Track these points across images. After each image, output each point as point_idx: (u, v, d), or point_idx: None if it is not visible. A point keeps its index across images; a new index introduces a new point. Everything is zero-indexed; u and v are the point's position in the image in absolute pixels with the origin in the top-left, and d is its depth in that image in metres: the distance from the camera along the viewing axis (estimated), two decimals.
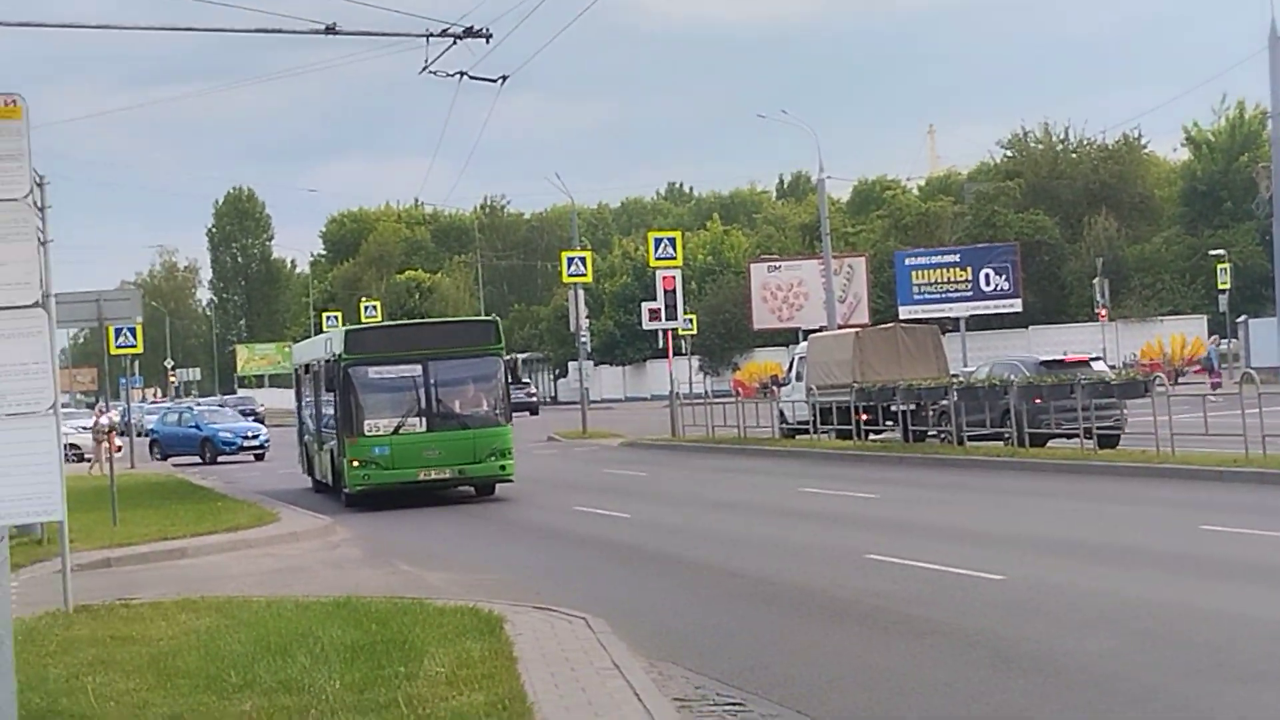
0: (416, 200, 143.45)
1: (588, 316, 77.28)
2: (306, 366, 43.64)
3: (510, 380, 35.98)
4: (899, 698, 13.07)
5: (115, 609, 18.71)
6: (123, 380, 47.93)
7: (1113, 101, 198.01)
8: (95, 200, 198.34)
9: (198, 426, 66.47)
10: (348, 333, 36.42)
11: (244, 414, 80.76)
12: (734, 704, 12.98)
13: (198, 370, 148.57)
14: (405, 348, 35.28)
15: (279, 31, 24.04)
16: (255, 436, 65.91)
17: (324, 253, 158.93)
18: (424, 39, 23.86)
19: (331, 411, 36.82)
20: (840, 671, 14.28)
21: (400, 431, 34.03)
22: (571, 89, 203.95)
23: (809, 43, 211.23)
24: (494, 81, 26.51)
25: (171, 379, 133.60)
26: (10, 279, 7.77)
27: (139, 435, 65.42)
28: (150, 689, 13.43)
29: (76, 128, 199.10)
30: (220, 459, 63.37)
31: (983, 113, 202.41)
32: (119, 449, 47.99)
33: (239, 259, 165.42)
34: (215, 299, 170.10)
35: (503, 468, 34.56)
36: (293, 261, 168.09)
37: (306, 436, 43.63)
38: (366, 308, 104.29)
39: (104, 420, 48.39)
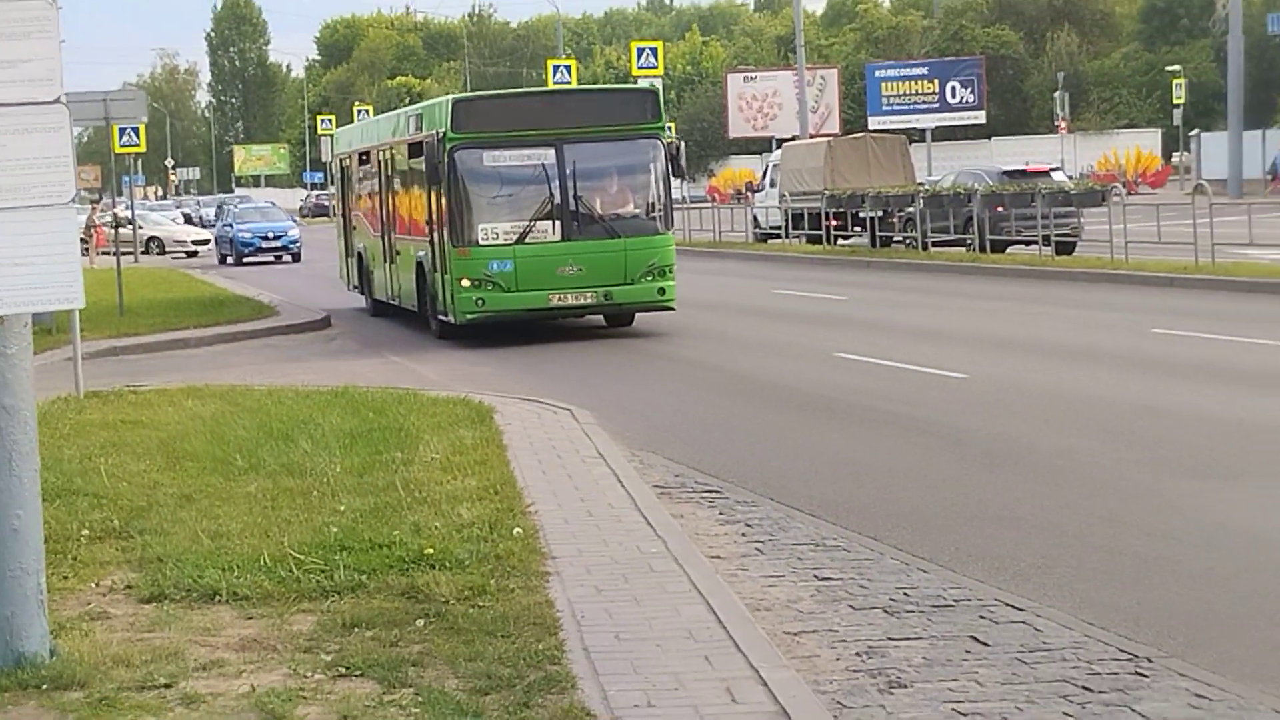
0: (407, 8, 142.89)
1: None
2: (363, 155, 32.35)
3: (673, 172, 24.76)
4: (866, 486, 13.18)
5: (124, 395, 18.78)
6: (125, 178, 47.62)
7: None
8: (96, 2, 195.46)
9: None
10: (455, 103, 24.63)
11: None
12: (711, 491, 12.98)
13: (197, 170, 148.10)
14: (533, 125, 24.03)
15: None
16: (279, 237, 55.65)
17: (318, 58, 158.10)
18: None
19: (422, 213, 26.13)
20: (812, 463, 14.39)
21: (527, 240, 23.58)
22: None
23: None
24: None
25: (172, 178, 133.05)
26: (33, 75, 7.70)
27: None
28: (160, 470, 13.52)
29: None
30: (245, 260, 54.40)
31: None
32: (103, 242, 48.15)
33: (236, 63, 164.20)
34: (214, 101, 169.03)
35: (662, 291, 24.16)
36: (288, 66, 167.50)
37: (360, 244, 32.75)
38: (359, 111, 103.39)
39: (97, 216, 48.60)
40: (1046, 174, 42.88)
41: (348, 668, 8.04)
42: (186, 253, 63.10)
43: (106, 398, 18.50)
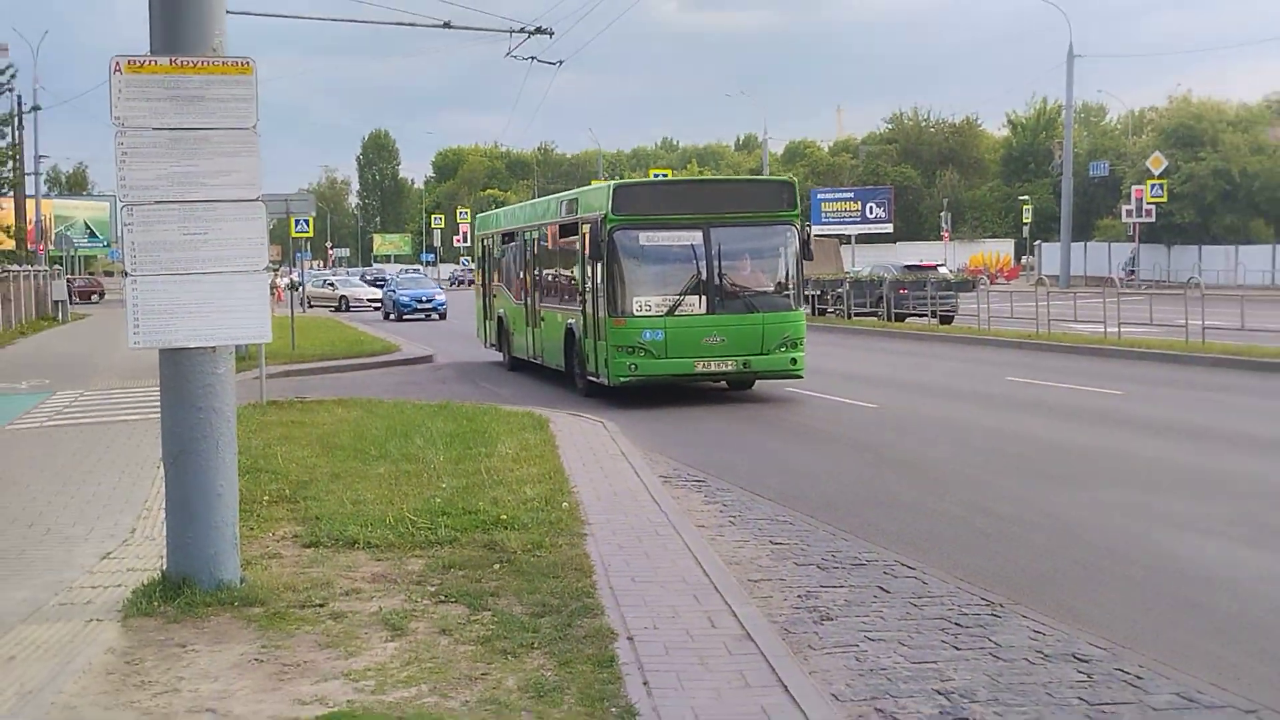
0: (496, 142, 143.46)
1: None
2: (507, 235, 27.36)
3: (804, 255, 20.35)
4: (806, 482, 13.16)
5: (294, 403, 18.80)
6: (298, 254, 47.81)
7: (961, 93, 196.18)
8: (282, 132, 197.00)
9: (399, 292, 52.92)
10: (616, 188, 20.17)
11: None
12: (699, 481, 12.96)
13: (347, 250, 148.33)
14: (684, 210, 19.96)
15: (414, 25, 23.85)
16: (429, 300, 51.21)
17: (433, 176, 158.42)
18: (508, 33, 23.68)
19: (571, 284, 21.94)
20: (768, 465, 14.36)
21: (677, 313, 19.42)
22: (607, 69, 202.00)
23: (767, 43, 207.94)
24: (554, 64, 26.25)
25: (330, 255, 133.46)
26: (241, 181, 7.77)
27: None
28: (318, 456, 13.54)
29: (274, 83, 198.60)
30: (404, 317, 50.55)
31: (874, 97, 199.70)
32: (281, 298, 48.12)
33: (377, 177, 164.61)
34: (360, 202, 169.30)
35: (794, 361, 19.89)
36: (412, 180, 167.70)
37: (500, 310, 27.58)
38: (460, 212, 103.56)
39: (279, 280, 48.97)
40: (934, 268, 43.26)
41: (446, 596, 8.06)
42: (369, 307, 59.66)
43: (281, 405, 18.52)
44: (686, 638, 7.14)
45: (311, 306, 59.48)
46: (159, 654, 6.99)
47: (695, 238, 19.34)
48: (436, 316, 49.98)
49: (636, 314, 19.07)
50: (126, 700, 6.30)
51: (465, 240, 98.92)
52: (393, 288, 53.70)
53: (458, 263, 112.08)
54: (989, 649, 7.30)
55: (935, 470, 13.55)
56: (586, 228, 19.98)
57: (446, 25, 23.36)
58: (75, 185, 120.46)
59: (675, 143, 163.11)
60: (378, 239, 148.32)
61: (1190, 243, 67.11)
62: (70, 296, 54.46)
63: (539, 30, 23.52)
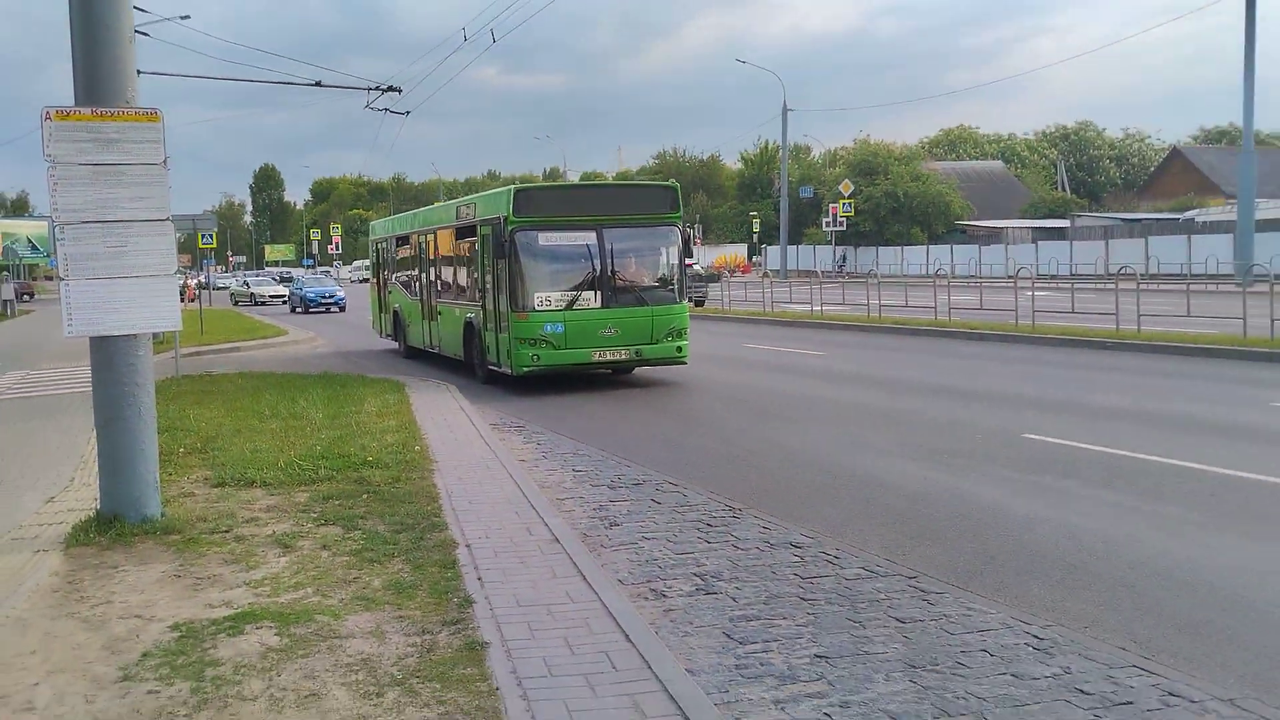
0: (359, 174, 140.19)
1: None
2: (401, 239, 23.42)
3: (685, 253, 17.51)
4: (600, 425, 13.08)
5: (203, 377, 18.07)
6: (204, 261, 45.59)
7: (708, 136, 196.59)
8: (191, 167, 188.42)
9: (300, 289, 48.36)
10: (516, 192, 16.74)
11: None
12: (521, 427, 12.71)
13: (244, 257, 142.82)
14: (578, 211, 16.89)
15: (293, 84, 23.17)
16: (331, 296, 46.27)
17: (311, 199, 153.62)
18: (366, 90, 23.04)
19: (470, 281, 18.40)
20: (571, 414, 14.30)
21: (574, 307, 16.36)
22: (444, 117, 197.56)
23: (566, 97, 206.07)
24: (403, 114, 25.64)
25: (230, 261, 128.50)
26: (154, 206, 7.42)
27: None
28: (222, 416, 13.04)
29: (184, 129, 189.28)
30: (310, 310, 45.81)
31: (646, 139, 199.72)
32: (192, 295, 45.95)
33: (266, 200, 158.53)
34: (253, 220, 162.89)
35: (679, 349, 16.95)
36: (295, 202, 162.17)
37: (396, 305, 23.84)
38: (333, 227, 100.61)
39: (190, 281, 46.92)
40: (691, 265, 43.38)
41: (325, 520, 7.86)
42: (274, 302, 55.56)
43: (192, 378, 17.78)
44: (510, 543, 7.13)
45: (237, 304, 56.58)
46: (95, 575, 6.67)
47: (590, 238, 16.41)
48: (337, 309, 45.99)
49: (538, 309, 16.02)
50: (69, 612, 6.00)
51: (338, 249, 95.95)
52: (299, 286, 49.53)
53: (331, 265, 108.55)
54: (730, 541, 7.42)
55: (694, 416, 13.62)
56: (487, 229, 16.96)
57: (318, 84, 22.61)
58: (18, 209, 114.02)
59: (498, 173, 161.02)
60: (268, 248, 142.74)
61: (870, 245, 69.41)
62: (18, 296, 51.54)
63: (391, 88, 22.91)
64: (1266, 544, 7.05)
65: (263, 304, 55.89)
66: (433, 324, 20.80)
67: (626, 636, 5.36)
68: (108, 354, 7.57)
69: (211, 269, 60.56)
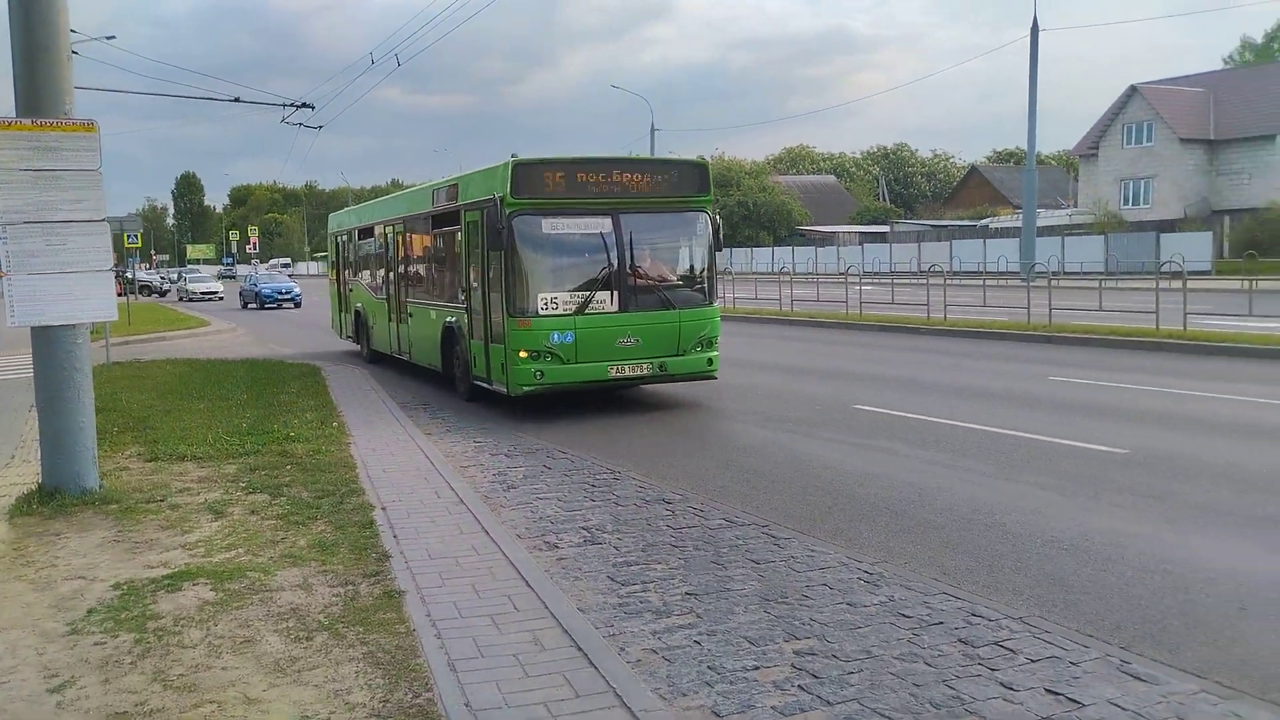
0: (275, 181, 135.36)
1: None
2: (364, 231, 17.89)
3: (717, 246, 11.82)
4: (503, 404, 12.64)
5: (134, 364, 17.28)
6: (130, 259, 43.12)
7: (591, 149, 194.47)
8: (118, 173, 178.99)
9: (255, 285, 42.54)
10: (516, 165, 10.82)
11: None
12: (426, 405, 12.43)
13: (167, 255, 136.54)
14: (591, 192, 11.03)
15: (214, 99, 22.24)
16: (288, 293, 41.29)
17: (229, 203, 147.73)
18: (282, 106, 22.27)
19: (465, 279, 12.16)
20: (475, 397, 14.10)
21: (586, 311, 10.88)
22: (353, 131, 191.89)
23: (464, 115, 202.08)
24: (316, 128, 24.84)
25: (155, 259, 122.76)
26: (90, 208, 7.09)
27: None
28: (153, 398, 12.53)
29: (112, 138, 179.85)
30: (265, 306, 40.68)
31: (536, 154, 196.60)
32: (121, 290, 43.72)
33: (187, 205, 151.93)
34: (175, 223, 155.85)
35: (709, 361, 11.64)
36: (214, 206, 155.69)
37: (358, 304, 18.39)
38: (250, 229, 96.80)
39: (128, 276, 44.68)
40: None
41: (253, 488, 7.65)
42: (205, 299, 49.96)
43: (124, 365, 16.98)
44: (421, 505, 7.06)
45: (181, 299, 51.26)
46: (39, 541, 6.37)
47: (605, 224, 11.12)
48: (292, 306, 41.00)
49: (543, 313, 10.82)
50: (16, 575, 5.72)
51: (255, 248, 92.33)
52: (254, 282, 43.20)
53: (248, 263, 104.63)
54: (612, 499, 7.45)
55: (581, 394, 13.60)
56: (475, 215, 11.78)
57: (237, 100, 21.75)
58: None
59: (402, 182, 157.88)
60: (190, 248, 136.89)
61: (725, 247, 70.41)
62: None
63: (305, 105, 22.19)
64: (1046, 492, 7.47)
65: (193, 300, 50.03)
66: (402, 326, 15.52)
67: (525, 582, 5.40)
68: (48, 342, 7.23)
69: (138, 266, 57.59)
